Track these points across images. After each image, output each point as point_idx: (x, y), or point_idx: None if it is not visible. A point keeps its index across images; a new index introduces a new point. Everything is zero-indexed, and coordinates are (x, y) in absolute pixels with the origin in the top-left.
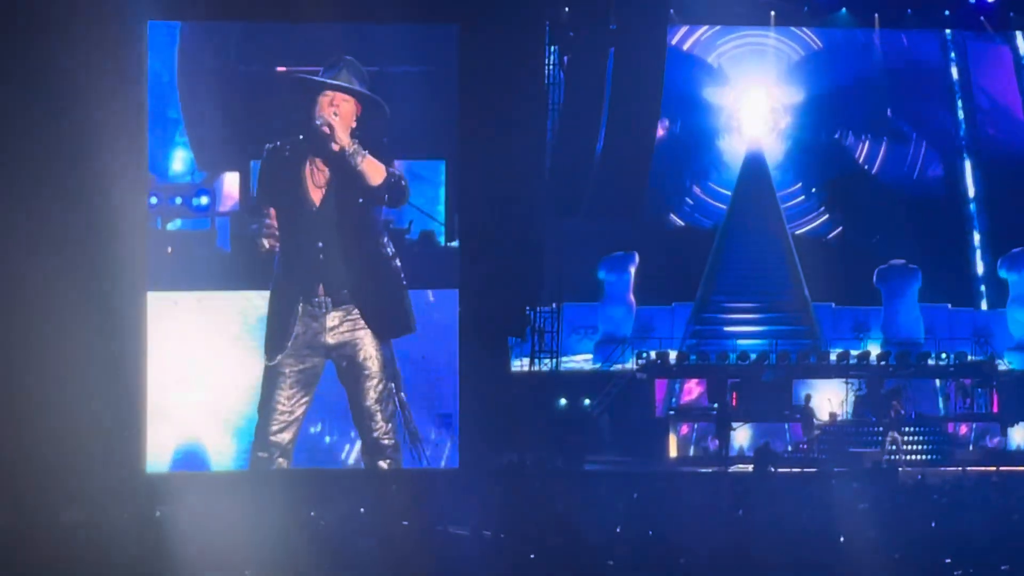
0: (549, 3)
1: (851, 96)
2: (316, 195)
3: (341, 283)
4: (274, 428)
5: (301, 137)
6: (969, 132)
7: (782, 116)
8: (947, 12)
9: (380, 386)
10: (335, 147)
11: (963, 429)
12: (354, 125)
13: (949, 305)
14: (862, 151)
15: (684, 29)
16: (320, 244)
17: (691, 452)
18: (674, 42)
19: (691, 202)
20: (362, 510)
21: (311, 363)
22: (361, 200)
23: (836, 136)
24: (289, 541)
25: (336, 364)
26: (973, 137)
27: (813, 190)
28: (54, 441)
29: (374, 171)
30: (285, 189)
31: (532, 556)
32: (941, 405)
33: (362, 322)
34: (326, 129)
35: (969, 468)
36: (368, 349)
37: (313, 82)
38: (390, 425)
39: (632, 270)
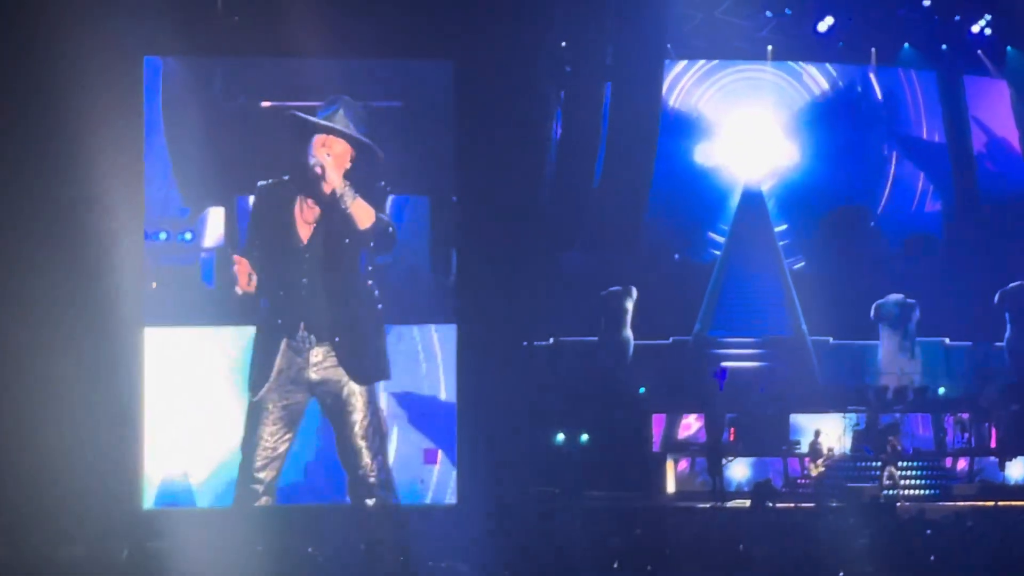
0: (545, 38)
1: (849, 131)
2: (304, 232)
3: (324, 320)
4: (258, 465)
5: (287, 178)
6: (967, 166)
7: (780, 151)
8: (944, 46)
9: (365, 422)
10: (326, 188)
11: (961, 463)
12: (348, 166)
13: (947, 339)
14: (860, 186)
15: (680, 65)
16: (304, 281)
17: (689, 487)
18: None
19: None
20: (362, 547)
21: (295, 399)
22: (347, 240)
23: (835, 171)
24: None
25: (320, 401)
26: (971, 171)
27: (809, 226)
28: (51, 476)
29: (363, 214)
30: (274, 225)
31: None
32: (939, 440)
33: None
34: (318, 170)
35: (967, 503)
36: (352, 385)
37: (308, 122)
38: (376, 462)
39: (629, 304)
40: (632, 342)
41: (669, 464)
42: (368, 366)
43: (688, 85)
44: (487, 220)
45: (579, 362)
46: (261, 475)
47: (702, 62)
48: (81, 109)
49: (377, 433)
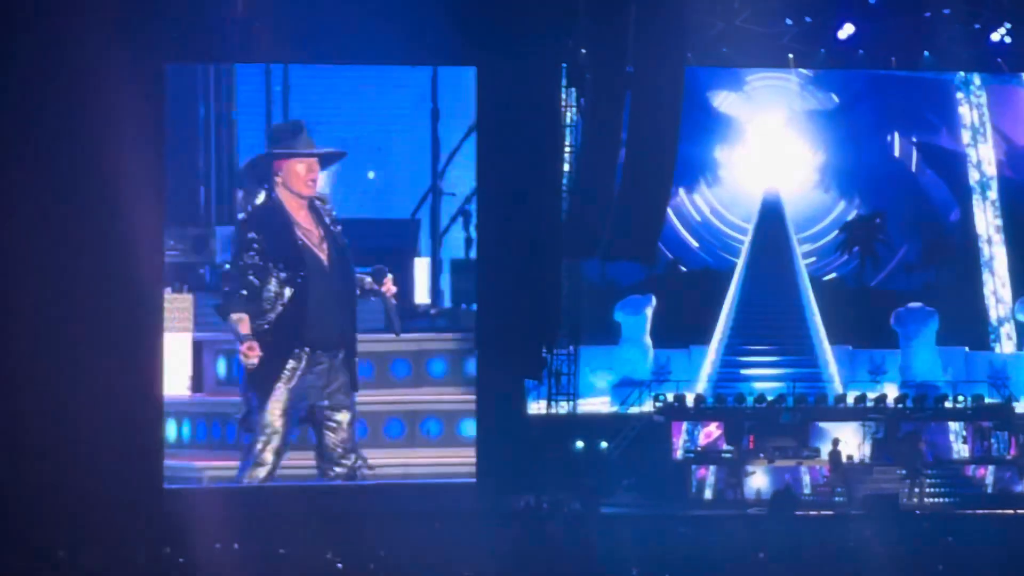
0: (566, 45)
1: (869, 139)
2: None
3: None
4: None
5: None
6: (986, 175)
7: (800, 158)
8: (964, 54)
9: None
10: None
11: (981, 472)
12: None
13: (967, 348)
14: (880, 194)
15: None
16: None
17: (709, 495)
18: None
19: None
20: (382, 553)
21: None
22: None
23: (855, 179)
24: None
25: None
26: (990, 180)
27: (833, 233)
28: (72, 463)
29: None
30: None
31: None
32: (959, 448)
33: None
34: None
35: (987, 511)
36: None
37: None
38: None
39: (649, 312)
40: (651, 350)
41: (689, 472)
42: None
43: (710, 92)
44: (507, 227)
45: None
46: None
47: (723, 69)
48: (106, 117)
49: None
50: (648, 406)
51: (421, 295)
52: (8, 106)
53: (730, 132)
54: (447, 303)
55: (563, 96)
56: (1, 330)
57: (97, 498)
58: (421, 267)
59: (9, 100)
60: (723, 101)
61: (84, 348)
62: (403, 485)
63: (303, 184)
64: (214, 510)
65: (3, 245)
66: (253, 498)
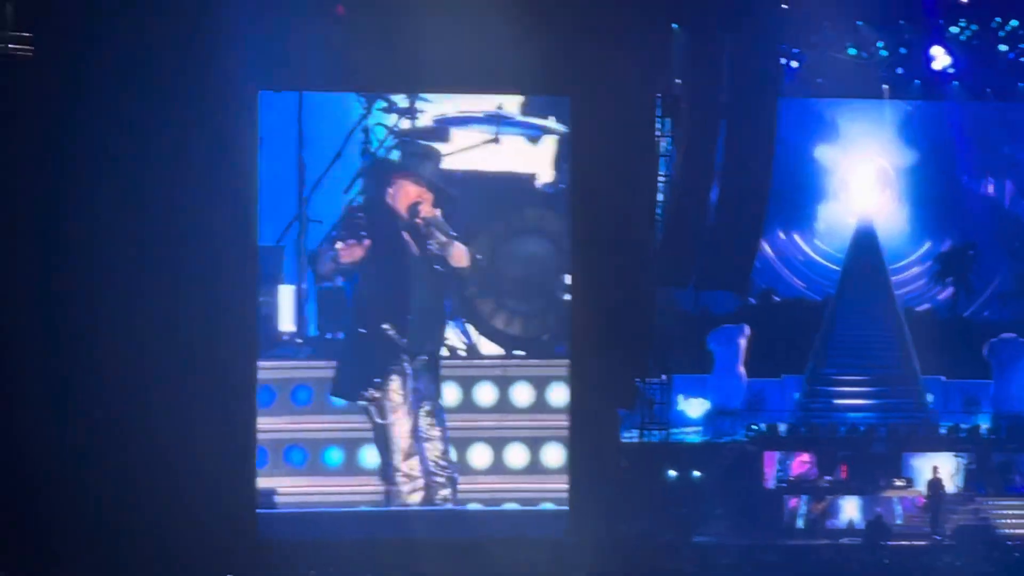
0: (660, 75)
1: (963, 168)
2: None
3: None
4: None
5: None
6: None
7: (894, 188)
8: None
9: None
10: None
11: None
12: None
13: None
14: (974, 224)
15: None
16: None
17: (801, 524)
18: None
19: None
20: None
21: None
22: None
23: (948, 209)
24: None
25: None
26: None
27: (927, 264)
28: (166, 492)
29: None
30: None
31: None
32: None
33: None
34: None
35: None
36: None
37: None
38: None
39: (742, 342)
40: (745, 379)
41: (781, 501)
42: None
43: (801, 122)
44: (601, 257)
45: None
46: None
47: (819, 117)
48: (198, 143)
49: None
50: (741, 435)
51: (286, 323)
52: (104, 129)
53: (827, 181)
54: (313, 331)
55: (657, 126)
56: (93, 360)
57: (190, 526)
58: (286, 295)
59: (104, 124)
60: (815, 134)
61: (177, 373)
62: (491, 512)
63: (407, 207)
64: (306, 535)
65: (98, 270)
66: (343, 524)
